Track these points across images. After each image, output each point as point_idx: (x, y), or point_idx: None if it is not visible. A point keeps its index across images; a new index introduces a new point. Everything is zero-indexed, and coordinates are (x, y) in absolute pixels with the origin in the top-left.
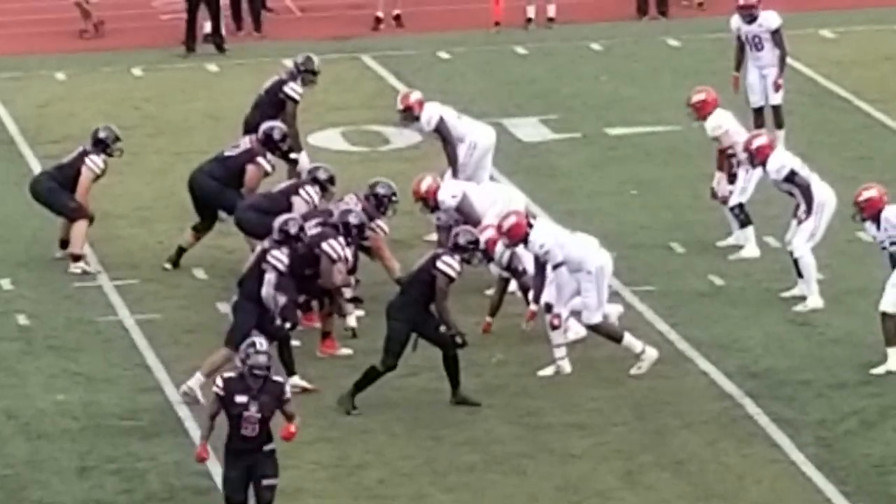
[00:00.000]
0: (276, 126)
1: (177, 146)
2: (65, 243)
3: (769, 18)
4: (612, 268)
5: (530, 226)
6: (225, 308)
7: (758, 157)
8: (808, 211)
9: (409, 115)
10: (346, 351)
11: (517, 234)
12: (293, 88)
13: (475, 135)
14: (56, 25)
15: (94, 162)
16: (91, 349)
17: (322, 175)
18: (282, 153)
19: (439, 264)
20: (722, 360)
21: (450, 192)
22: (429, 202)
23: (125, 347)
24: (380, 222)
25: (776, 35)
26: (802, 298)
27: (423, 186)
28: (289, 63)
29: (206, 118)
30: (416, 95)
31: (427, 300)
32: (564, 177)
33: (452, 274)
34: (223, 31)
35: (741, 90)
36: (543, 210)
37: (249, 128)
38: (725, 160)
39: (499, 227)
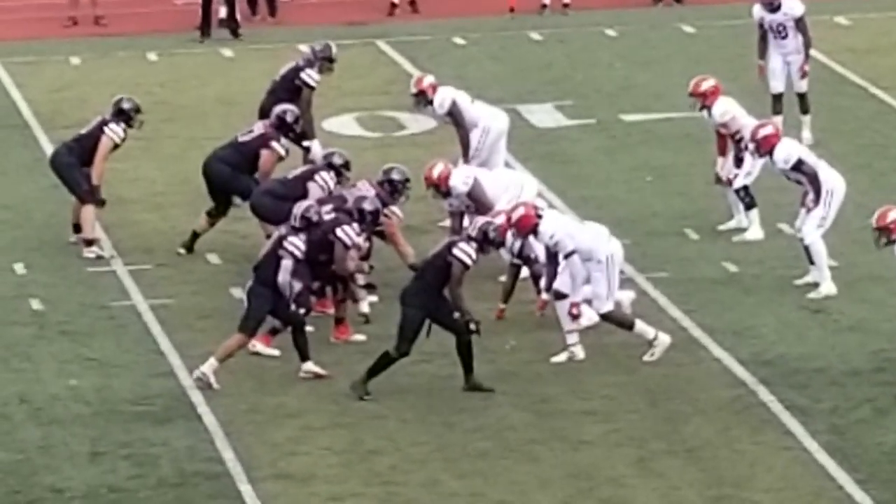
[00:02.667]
0: (289, 109)
1: (191, 131)
2: (78, 227)
3: (793, 6)
4: (623, 255)
5: (539, 217)
6: (239, 293)
7: (764, 147)
8: (816, 199)
9: (423, 99)
10: (359, 337)
11: (526, 226)
12: (310, 75)
13: (488, 120)
14: (70, 10)
15: (114, 131)
16: (104, 334)
17: (337, 160)
18: (295, 136)
19: (455, 251)
20: (735, 347)
21: (462, 178)
22: (441, 188)
23: (138, 332)
24: (394, 208)
25: (800, 22)
26: (816, 285)
27: (435, 173)
28: (304, 49)
29: (221, 103)
30: (429, 79)
31: (441, 286)
32: (578, 163)
33: (468, 261)
34: (238, 17)
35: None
36: (557, 196)
37: (264, 114)
38: (732, 144)
39: (508, 219)
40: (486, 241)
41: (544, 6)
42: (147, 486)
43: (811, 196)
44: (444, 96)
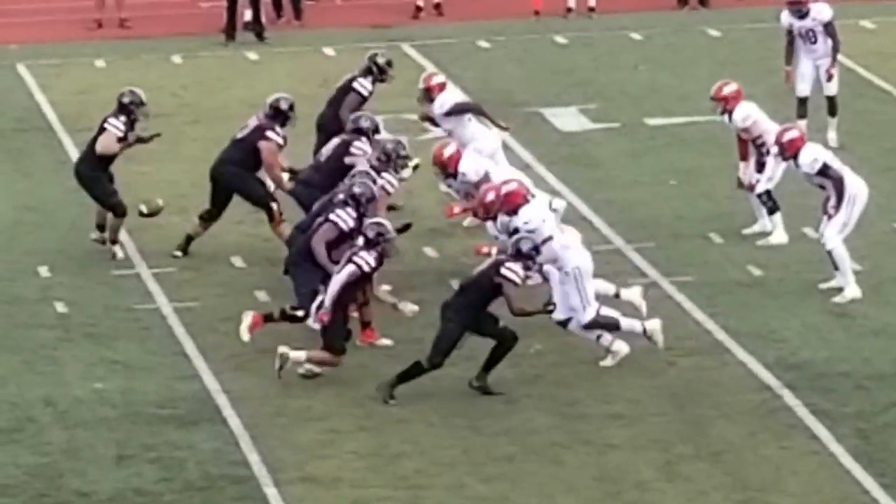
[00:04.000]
0: (283, 97)
1: (215, 134)
2: (102, 227)
3: (821, 11)
4: (591, 267)
5: (527, 200)
6: (263, 296)
7: (789, 151)
8: (838, 205)
9: (427, 96)
10: (385, 341)
11: (513, 201)
12: (362, 84)
13: (480, 142)
14: (95, 13)
15: (114, 124)
16: (129, 337)
17: (365, 123)
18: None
19: (503, 271)
20: (760, 351)
21: (474, 167)
22: (448, 169)
23: (163, 335)
24: (388, 176)
25: (829, 27)
26: (840, 290)
27: (447, 152)
28: (330, 52)
29: (245, 106)
30: (438, 79)
31: (485, 303)
32: (603, 166)
33: (517, 280)
34: (263, 20)
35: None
36: (582, 200)
37: (322, 126)
38: (754, 149)
39: (497, 190)
40: (523, 257)
41: (569, 10)
42: (173, 490)
43: (833, 201)
44: (446, 99)
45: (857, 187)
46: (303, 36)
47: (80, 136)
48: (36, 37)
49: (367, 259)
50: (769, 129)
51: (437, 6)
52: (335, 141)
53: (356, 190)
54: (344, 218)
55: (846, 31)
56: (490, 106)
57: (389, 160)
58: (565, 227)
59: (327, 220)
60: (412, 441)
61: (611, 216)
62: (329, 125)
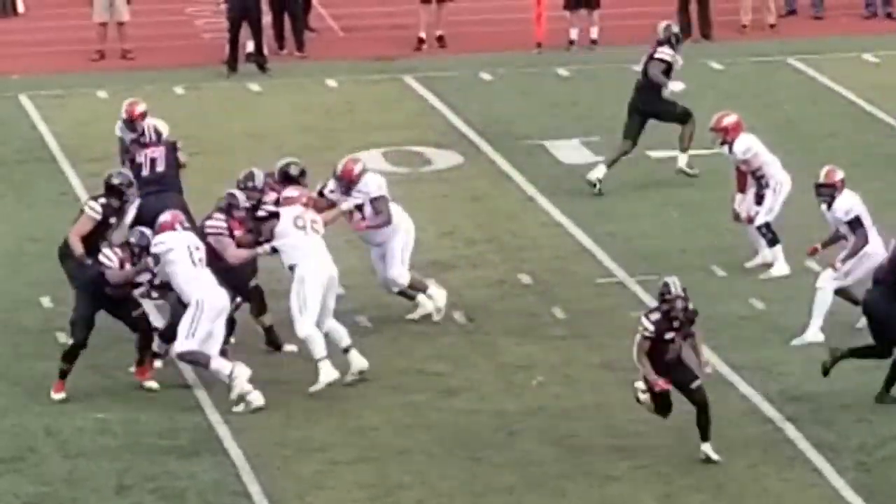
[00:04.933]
0: (113, 173)
1: (218, 165)
2: None
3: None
4: (330, 280)
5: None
6: None
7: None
8: (849, 257)
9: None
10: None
11: (345, 176)
12: (663, 52)
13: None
14: (97, 44)
15: (92, 206)
16: (131, 368)
17: (293, 171)
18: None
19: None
20: (762, 384)
21: (377, 182)
22: (348, 181)
23: (164, 366)
24: (291, 192)
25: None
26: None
27: (356, 168)
28: (332, 83)
29: (248, 137)
30: (360, 166)
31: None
32: (605, 199)
33: (647, 333)
34: (265, 51)
35: None
36: (584, 232)
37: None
38: (754, 181)
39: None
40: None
41: (572, 42)
42: None
43: (846, 253)
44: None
45: (873, 246)
46: (305, 67)
47: (83, 167)
48: (38, 67)
49: (645, 325)
50: (769, 162)
51: (440, 38)
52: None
53: (230, 201)
54: (215, 225)
55: (849, 65)
56: (492, 138)
57: (289, 178)
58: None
59: None
60: (413, 472)
61: (613, 249)
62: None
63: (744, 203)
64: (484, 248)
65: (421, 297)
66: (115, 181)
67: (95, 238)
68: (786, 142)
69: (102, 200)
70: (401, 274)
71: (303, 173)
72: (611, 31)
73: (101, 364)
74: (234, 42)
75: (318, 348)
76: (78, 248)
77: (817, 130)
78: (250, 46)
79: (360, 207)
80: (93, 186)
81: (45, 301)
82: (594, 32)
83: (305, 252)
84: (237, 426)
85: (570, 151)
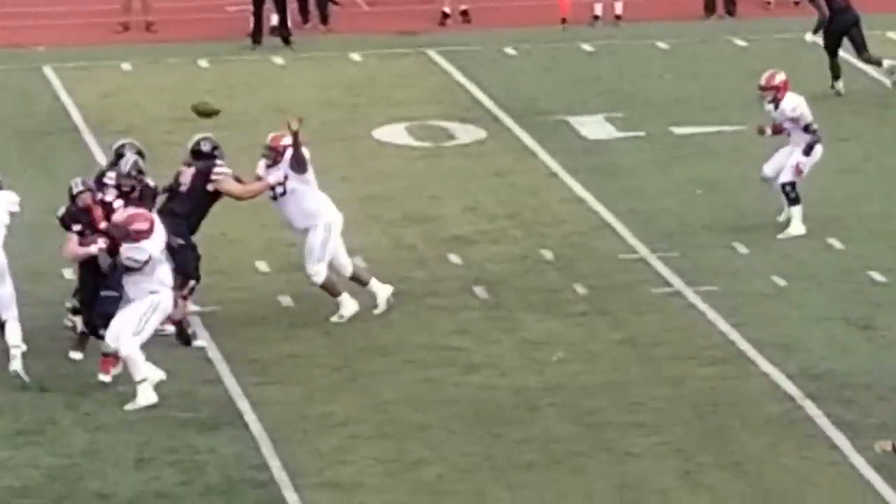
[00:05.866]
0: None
1: (241, 139)
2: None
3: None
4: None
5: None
6: (287, 301)
7: None
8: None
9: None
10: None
11: (275, 146)
12: None
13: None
14: (121, 16)
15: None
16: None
17: (205, 147)
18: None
19: None
20: (783, 362)
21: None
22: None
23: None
24: (220, 170)
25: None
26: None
27: (283, 142)
28: (356, 57)
29: (272, 111)
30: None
31: None
32: (628, 175)
33: None
34: (290, 24)
35: None
36: (607, 208)
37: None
38: (802, 135)
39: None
40: None
41: (596, 18)
42: (193, 493)
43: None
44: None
45: None
46: (329, 41)
47: (106, 138)
48: (62, 39)
49: None
50: (810, 123)
51: (465, 13)
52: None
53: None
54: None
55: (873, 43)
56: (516, 113)
57: (203, 154)
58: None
59: None
60: (433, 447)
61: (636, 225)
62: None
63: (773, 161)
64: (506, 224)
65: (373, 284)
66: (205, 148)
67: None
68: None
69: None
70: (316, 272)
71: (216, 148)
72: (635, 6)
73: None
74: (259, 15)
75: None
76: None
77: (841, 108)
78: (274, 20)
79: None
80: None
81: (67, 273)
82: (619, 8)
83: None
84: (257, 400)
85: (593, 127)
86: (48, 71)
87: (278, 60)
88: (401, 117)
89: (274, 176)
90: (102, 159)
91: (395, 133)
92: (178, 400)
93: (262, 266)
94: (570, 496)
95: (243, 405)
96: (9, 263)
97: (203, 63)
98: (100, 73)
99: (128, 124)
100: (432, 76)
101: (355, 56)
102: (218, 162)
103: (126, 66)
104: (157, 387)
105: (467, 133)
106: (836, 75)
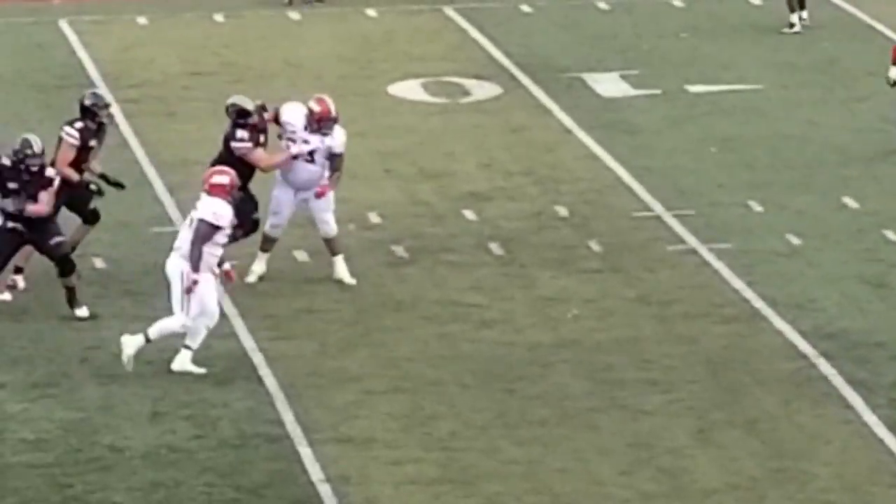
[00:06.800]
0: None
1: (257, 93)
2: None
3: None
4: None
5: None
6: (303, 256)
7: None
8: None
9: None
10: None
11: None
12: None
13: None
14: None
15: (68, 132)
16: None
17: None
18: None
19: None
20: (797, 320)
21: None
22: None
23: None
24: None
25: None
26: None
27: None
28: (372, 13)
29: (287, 66)
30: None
31: None
32: (643, 133)
33: None
34: None
35: None
36: (622, 165)
37: None
38: None
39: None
40: None
41: None
42: (207, 447)
43: None
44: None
45: None
46: None
47: (122, 92)
48: None
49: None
50: None
51: None
52: None
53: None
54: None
55: (890, 3)
56: (531, 70)
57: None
58: None
59: None
60: (447, 403)
61: (650, 183)
62: None
63: None
64: (521, 181)
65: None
66: (88, 102)
67: (78, 165)
68: (825, 79)
69: (79, 124)
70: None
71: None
72: None
73: (137, 291)
74: None
75: None
76: (74, 176)
77: (856, 67)
78: None
79: (311, 155)
80: (131, 112)
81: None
82: None
83: None
84: (272, 355)
85: (609, 85)
86: (64, 25)
87: (294, 16)
88: (416, 73)
89: (297, 148)
90: (118, 112)
91: (410, 89)
92: (193, 355)
93: None
94: (582, 453)
95: (257, 360)
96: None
97: (219, 17)
98: (116, 27)
99: (143, 78)
100: (448, 33)
101: (371, 12)
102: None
103: (142, 20)
104: (171, 341)
105: (483, 90)
106: (798, 6)
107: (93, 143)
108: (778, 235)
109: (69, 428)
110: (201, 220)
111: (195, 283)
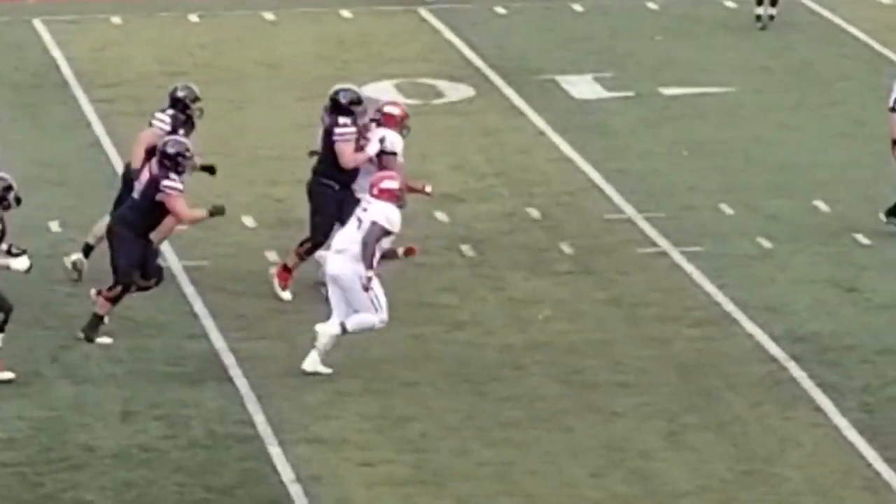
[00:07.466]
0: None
1: (232, 94)
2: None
3: None
4: None
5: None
6: (273, 256)
7: None
8: None
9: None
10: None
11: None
12: None
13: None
14: None
15: (159, 118)
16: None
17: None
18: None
19: None
20: (768, 323)
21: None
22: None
23: (173, 294)
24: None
25: None
26: None
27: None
28: (346, 13)
29: (262, 67)
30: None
31: None
32: (616, 135)
33: None
34: None
35: None
36: (594, 168)
37: None
38: None
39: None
40: None
41: None
42: (178, 447)
43: None
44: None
45: None
46: None
47: (96, 92)
48: None
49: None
50: None
51: None
52: None
53: (169, 150)
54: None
55: (862, 6)
56: (505, 72)
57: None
58: None
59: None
60: (418, 404)
61: (623, 185)
62: None
63: None
64: (493, 182)
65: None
66: (181, 94)
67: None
68: (800, 83)
69: (170, 111)
70: None
71: (353, 104)
72: None
73: None
74: None
75: None
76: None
77: (831, 72)
78: None
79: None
80: (105, 112)
81: (54, 226)
82: None
83: None
84: (243, 355)
85: (583, 87)
86: (38, 24)
87: (269, 16)
88: (390, 74)
89: (372, 147)
90: (92, 113)
91: (384, 90)
92: (165, 354)
93: (248, 221)
94: (554, 455)
95: (229, 360)
96: None
97: (193, 18)
98: (90, 26)
99: (118, 78)
100: (423, 34)
101: (346, 13)
102: (340, 120)
103: (116, 19)
104: (142, 341)
105: (456, 91)
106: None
107: (181, 132)
108: (749, 239)
109: (41, 427)
110: (374, 223)
111: (370, 279)
